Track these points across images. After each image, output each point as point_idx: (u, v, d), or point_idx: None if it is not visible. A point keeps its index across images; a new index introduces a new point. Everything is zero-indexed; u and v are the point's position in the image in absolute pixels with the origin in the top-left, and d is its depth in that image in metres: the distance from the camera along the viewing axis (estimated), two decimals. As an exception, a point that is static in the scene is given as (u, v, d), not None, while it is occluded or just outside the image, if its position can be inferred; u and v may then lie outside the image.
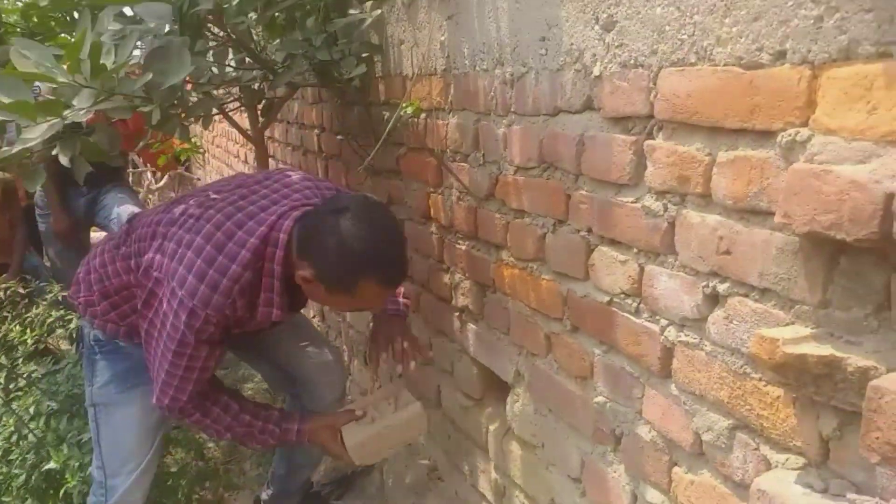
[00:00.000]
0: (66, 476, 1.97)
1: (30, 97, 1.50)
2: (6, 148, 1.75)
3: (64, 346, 3.75)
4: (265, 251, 1.60)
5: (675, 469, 1.27)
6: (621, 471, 1.42)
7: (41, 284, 3.40)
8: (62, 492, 1.98)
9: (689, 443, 1.22)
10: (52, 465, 1.97)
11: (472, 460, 2.06)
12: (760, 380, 1.05)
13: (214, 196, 1.74)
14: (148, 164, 6.57)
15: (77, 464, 2.00)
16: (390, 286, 1.67)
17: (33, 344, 2.92)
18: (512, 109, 1.59)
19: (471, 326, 1.98)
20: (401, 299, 2.02)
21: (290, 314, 1.77)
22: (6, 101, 1.40)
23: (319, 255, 1.56)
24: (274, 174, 1.85)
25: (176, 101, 1.83)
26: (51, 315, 3.04)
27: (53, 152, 1.84)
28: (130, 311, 1.78)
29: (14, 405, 2.44)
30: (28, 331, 2.92)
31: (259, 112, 2.65)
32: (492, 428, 1.93)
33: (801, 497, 0.96)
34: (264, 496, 2.30)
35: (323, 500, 2.36)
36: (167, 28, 1.93)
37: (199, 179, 7.48)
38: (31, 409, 2.37)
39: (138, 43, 1.94)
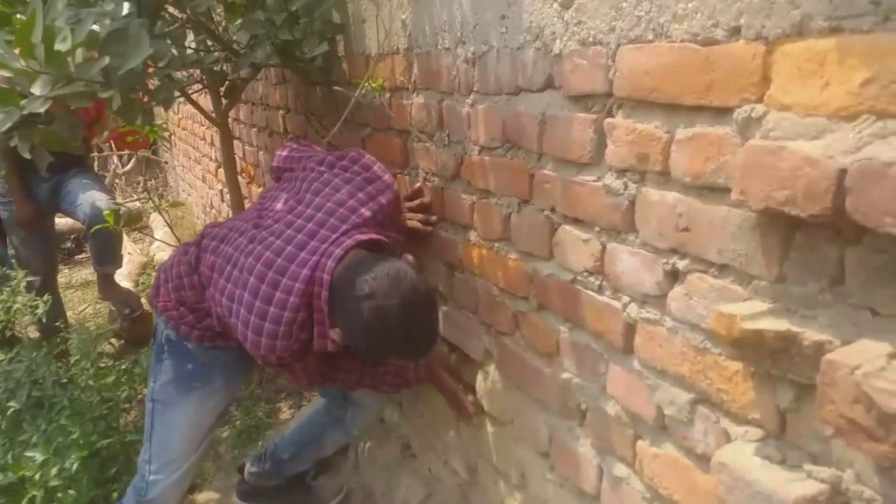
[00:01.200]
0: (27, 487, 1.93)
1: (-19, 83, 1.46)
2: None
3: (32, 333, 3.69)
4: (313, 290, 1.60)
5: (640, 443, 1.28)
6: (588, 445, 1.43)
7: (6, 272, 3.35)
8: (25, 500, 1.93)
9: (652, 417, 1.23)
10: (11, 478, 1.93)
11: (444, 437, 2.07)
12: (720, 354, 1.07)
13: (252, 231, 1.73)
14: (115, 146, 6.45)
15: (38, 474, 1.95)
16: (417, 358, 1.74)
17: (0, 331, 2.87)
18: (475, 89, 1.58)
19: (440, 306, 1.98)
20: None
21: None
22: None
23: (346, 332, 1.60)
24: (319, 183, 1.77)
25: (137, 87, 1.79)
26: (16, 301, 2.99)
27: (12, 144, 1.79)
28: (206, 315, 1.83)
29: None
30: None
31: (222, 94, 2.60)
32: (462, 406, 1.94)
33: (759, 469, 0.98)
34: (251, 468, 2.30)
35: (302, 479, 2.37)
36: (125, 10, 1.88)
37: (166, 163, 7.37)
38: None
39: (95, 27, 1.89)
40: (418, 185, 1.94)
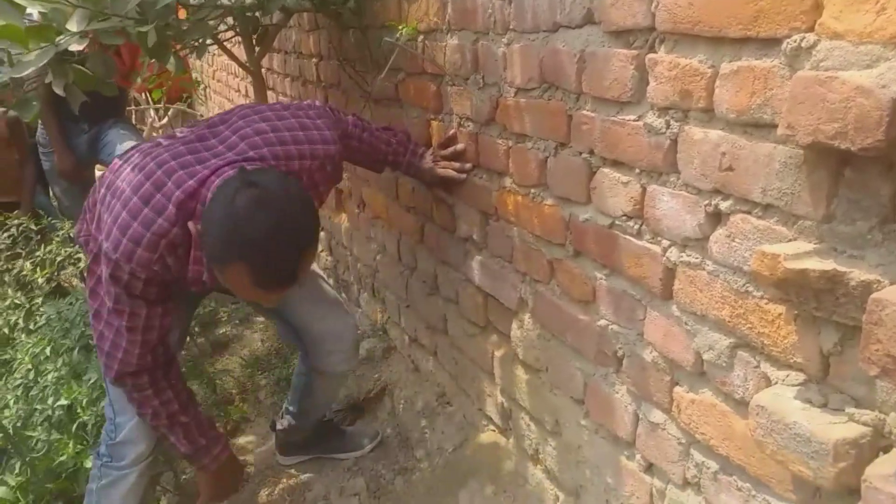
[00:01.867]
0: (78, 411, 2.01)
1: (21, 22, 1.46)
2: None
3: (76, 282, 3.79)
4: (193, 207, 1.46)
5: (677, 388, 1.27)
6: (623, 391, 1.43)
7: (53, 222, 3.42)
8: (76, 424, 2.01)
9: (690, 362, 1.22)
10: (64, 401, 2.00)
11: (479, 385, 2.08)
12: (762, 298, 1.04)
13: (162, 142, 1.61)
14: (150, 99, 6.49)
15: (85, 399, 2.03)
16: (261, 286, 1.42)
17: (45, 282, 2.95)
18: (511, 27, 1.53)
19: (475, 256, 1.97)
20: (410, 157, 2.00)
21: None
22: (-6, 24, 1.36)
23: (206, 218, 1.42)
24: (234, 118, 1.66)
25: (169, 24, 1.77)
26: (61, 253, 3.06)
27: (47, 80, 1.80)
28: None
29: (32, 343, 2.48)
30: (39, 269, 2.95)
31: (255, 41, 2.58)
32: (497, 354, 1.94)
33: (799, 411, 0.96)
34: (279, 425, 2.35)
35: (335, 426, 2.41)
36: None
37: (201, 115, 7.41)
38: (48, 349, 2.40)
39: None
40: (452, 131, 1.92)
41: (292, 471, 2.31)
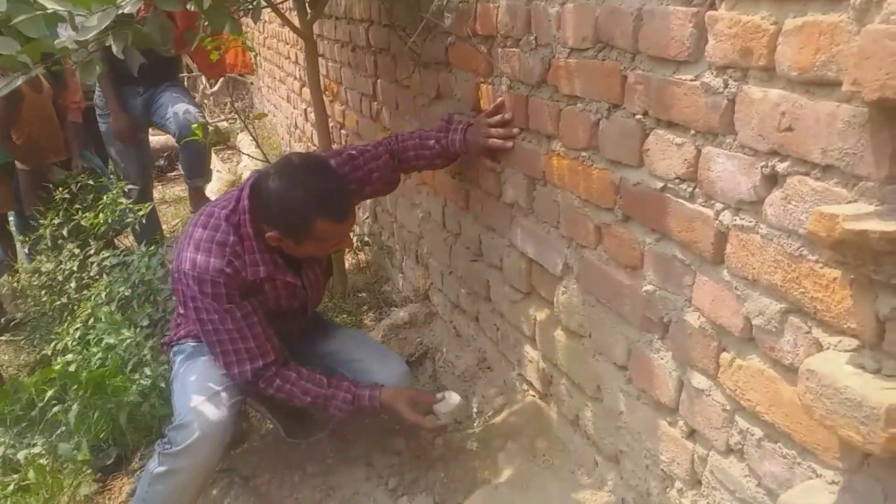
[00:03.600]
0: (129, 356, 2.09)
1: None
2: (62, 38, 1.76)
3: (130, 240, 3.90)
4: (238, 218, 1.84)
5: (723, 355, 1.26)
6: (668, 357, 1.42)
7: (108, 180, 3.52)
8: (129, 368, 2.09)
9: (738, 328, 1.20)
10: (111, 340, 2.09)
11: (520, 350, 2.09)
12: (817, 261, 1.02)
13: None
14: (207, 71, 6.57)
15: (136, 342, 2.11)
16: (340, 218, 1.82)
17: (104, 230, 3.04)
18: (566, -14, 1.51)
19: (520, 221, 1.97)
20: (456, 134, 2.06)
21: (290, 274, 1.96)
22: (57, -13, 1.39)
23: (271, 217, 1.79)
24: None
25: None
26: (121, 203, 3.15)
27: (107, 44, 1.85)
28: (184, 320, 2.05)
29: (88, 293, 2.58)
30: (101, 216, 3.04)
31: (307, 5, 2.59)
32: (539, 319, 1.95)
33: (851, 377, 0.94)
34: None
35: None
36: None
37: (251, 84, 7.49)
38: (104, 295, 2.49)
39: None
40: (500, 99, 1.91)
41: (336, 429, 2.36)
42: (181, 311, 2.07)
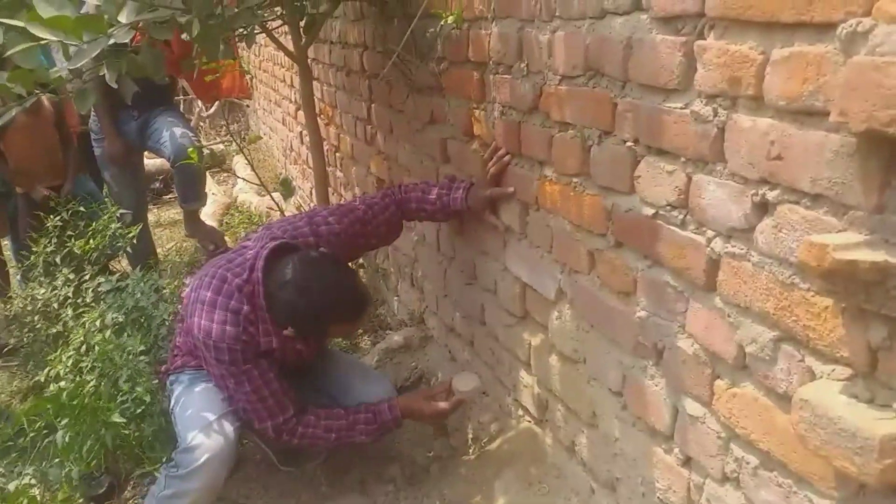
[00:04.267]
0: (123, 385, 2.07)
1: (72, 12, 1.50)
2: (56, 69, 1.77)
3: (123, 264, 3.89)
4: (252, 288, 1.88)
5: (717, 382, 1.25)
6: (662, 384, 1.41)
7: (100, 206, 3.51)
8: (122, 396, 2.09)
9: (732, 355, 1.20)
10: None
11: (515, 375, 2.08)
12: (808, 290, 1.02)
13: (212, 262, 2.04)
14: (202, 95, 6.60)
15: (129, 373, 2.10)
16: (354, 318, 1.97)
17: (97, 255, 3.03)
18: (556, 14, 1.52)
19: (513, 245, 1.97)
20: (458, 192, 2.09)
21: (300, 342, 2.01)
22: (46, 15, 1.40)
23: (292, 321, 1.87)
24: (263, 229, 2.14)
25: (216, 14, 1.81)
26: (111, 228, 3.14)
27: (101, 73, 1.86)
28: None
29: (83, 319, 2.56)
30: (92, 241, 3.03)
31: (302, 30, 2.61)
32: (534, 344, 1.94)
33: (844, 407, 0.94)
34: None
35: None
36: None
37: (247, 106, 7.52)
38: (98, 322, 2.48)
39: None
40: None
41: (330, 457, 2.34)
42: (178, 341, 2.11)
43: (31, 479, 2.00)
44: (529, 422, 2.04)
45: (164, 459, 2.09)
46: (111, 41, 1.54)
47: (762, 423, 1.15)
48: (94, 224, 3.18)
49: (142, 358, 2.21)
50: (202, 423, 1.91)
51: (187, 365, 2.08)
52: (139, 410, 2.10)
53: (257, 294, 1.88)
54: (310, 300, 1.82)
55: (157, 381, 2.20)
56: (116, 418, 1.98)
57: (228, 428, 1.93)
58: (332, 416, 2.01)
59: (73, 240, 3.13)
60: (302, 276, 1.84)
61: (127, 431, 1.98)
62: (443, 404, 2.01)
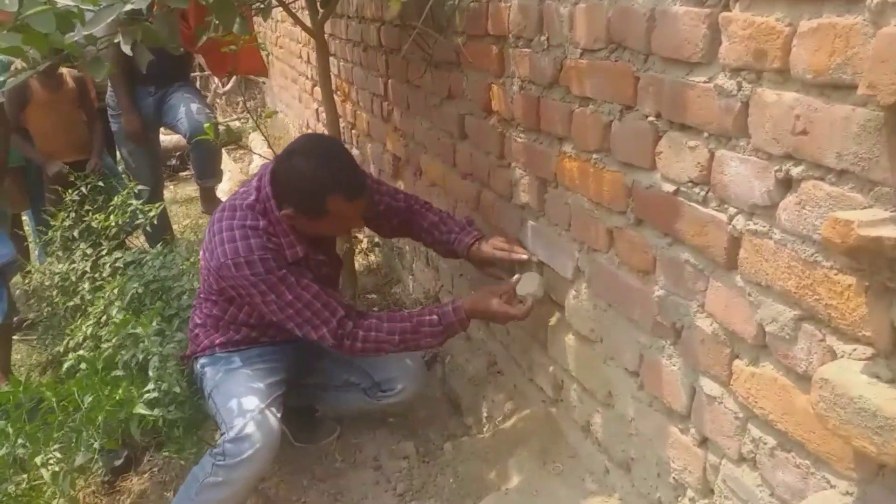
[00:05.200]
0: (134, 351, 2.08)
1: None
2: (72, 34, 1.76)
3: (140, 241, 3.91)
4: (265, 205, 1.87)
5: (736, 361, 1.24)
6: (680, 364, 1.40)
7: (117, 181, 3.53)
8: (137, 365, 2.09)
9: (751, 335, 1.18)
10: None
11: (531, 355, 2.07)
12: (831, 268, 1.00)
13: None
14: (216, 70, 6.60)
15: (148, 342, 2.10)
16: (352, 195, 1.84)
17: (115, 231, 3.05)
18: (578, -14, 1.50)
19: (531, 223, 1.95)
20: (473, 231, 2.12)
21: (320, 252, 2.02)
22: (62, -19, 1.38)
23: (290, 193, 1.83)
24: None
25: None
26: (131, 203, 3.15)
27: (116, 40, 1.85)
28: (231, 319, 2.03)
29: (101, 292, 2.58)
30: (112, 217, 3.05)
31: (319, 4, 2.59)
32: (550, 323, 1.93)
33: (865, 386, 0.92)
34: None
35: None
36: None
37: (264, 83, 7.50)
38: (116, 292, 2.49)
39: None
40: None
41: (345, 433, 2.35)
42: (197, 320, 2.08)
43: (55, 454, 2.01)
44: (544, 401, 2.04)
45: (185, 443, 2.06)
46: (127, 7, 1.53)
47: (781, 403, 1.14)
48: (113, 199, 3.19)
49: (167, 343, 2.17)
50: (249, 411, 1.86)
51: (215, 344, 2.05)
52: (167, 399, 2.07)
53: (271, 209, 1.87)
54: (310, 165, 1.80)
55: (182, 367, 2.15)
56: (142, 409, 1.95)
57: (274, 417, 1.89)
58: (395, 318, 1.95)
59: (90, 214, 3.15)
60: (306, 144, 1.89)
61: (151, 417, 1.96)
62: (514, 310, 1.87)
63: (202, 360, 2.06)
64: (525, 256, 1.95)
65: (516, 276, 1.95)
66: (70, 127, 3.67)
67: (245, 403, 1.88)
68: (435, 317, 1.92)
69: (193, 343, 2.11)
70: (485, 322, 2.05)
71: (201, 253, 2.01)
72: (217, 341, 2.05)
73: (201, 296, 2.09)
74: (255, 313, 1.98)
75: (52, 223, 3.16)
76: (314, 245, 1.98)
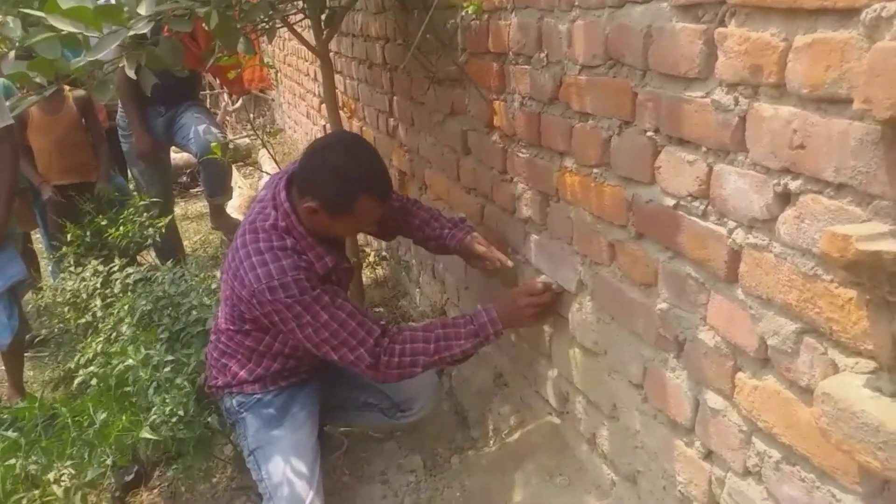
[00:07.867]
0: (140, 373, 2.07)
1: (91, 3, 1.52)
2: (77, 59, 1.79)
3: (151, 258, 3.94)
4: (286, 223, 1.83)
5: (739, 374, 1.24)
6: (684, 377, 1.40)
7: (128, 200, 3.56)
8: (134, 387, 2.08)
9: (753, 348, 1.18)
10: (129, 361, 2.07)
11: (536, 367, 2.07)
12: (832, 281, 1.00)
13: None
14: (228, 86, 6.66)
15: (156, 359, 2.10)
16: (383, 197, 1.84)
17: (125, 243, 3.08)
18: (576, 3, 1.51)
19: (534, 237, 1.96)
20: (465, 227, 2.13)
21: (346, 261, 2.01)
22: (65, 6, 1.41)
23: (319, 186, 1.77)
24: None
25: (231, 5, 1.82)
26: (143, 215, 3.18)
27: (120, 64, 1.88)
28: (266, 349, 1.97)
29: (111, 309, 2.60)
30: (123, 229, 3.08)
31: (323, 24, 2.61)
32: (555, 336, 1.93)
33: (868, 400, 0.92)
34: None
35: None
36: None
37: (272, 100, 7.57)
38: (126, 308, 2.51)
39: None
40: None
41: (352, 447, 2.35)
42: (239, 342, 1.98)
43: (69, 470, 2.02)
44: (550, 414, 2.04)
45: (196, 461, 2.05)
46: (130, 32, 1.56)
47: (784, 416, 1.14)
48: (124, 212, 3.23)
49: (168, 369, 2.14)
50: (297, 481, 1.86)
51: (252, 380, 2.00)
52: (173, 420, 2.05)
53: (293, 225, 1.82)
54: (346, 161, 1.77)
55: (205, 398, 2.10)
56: (148, 434, 1.94)
57: (319, 481, 1.91)
58: (427, 328, 1.90)
59: (104, 227, 3.18)
60: (342, 140, 1.91)
61: (159, 440, 1.96)
62: (546, 298, 1.86)
63: (238, 399, 2.01)
64: (501, 259, 1.98)
65: (541, 278, 1.92)
66: (69, 150, 3.66)
67: (296, 487, 1.87)
68: (466, 318, 1.90)
69: (223, 374, 2.02)
70: (516, 324, 2.00)
71: (223, 282, 1.97)
72: (253, 375, 1.99)
73: (230, 327, 1.97)
74: (290, 342, 1.91)
75: (66, 238, 3.20)
76: (340, 254, 1.97)
